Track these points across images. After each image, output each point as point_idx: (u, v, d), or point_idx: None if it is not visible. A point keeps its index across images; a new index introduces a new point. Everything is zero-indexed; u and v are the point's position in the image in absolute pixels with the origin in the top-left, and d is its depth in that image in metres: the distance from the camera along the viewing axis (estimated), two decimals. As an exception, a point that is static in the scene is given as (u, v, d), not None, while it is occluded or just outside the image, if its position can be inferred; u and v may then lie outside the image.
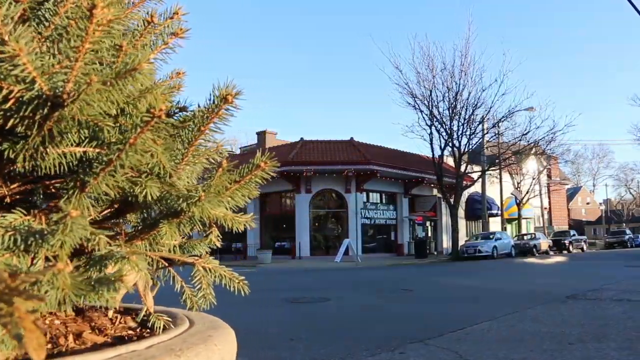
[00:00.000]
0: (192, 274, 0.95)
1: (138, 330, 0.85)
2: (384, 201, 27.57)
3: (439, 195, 27.87)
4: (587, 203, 77.81)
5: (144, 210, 0.85)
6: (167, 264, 0.91)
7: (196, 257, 0.93)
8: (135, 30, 0.84)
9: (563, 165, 48.42)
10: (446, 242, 30.38)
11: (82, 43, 0.58)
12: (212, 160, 0.87)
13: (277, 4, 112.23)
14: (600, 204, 68.91)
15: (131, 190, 0.71)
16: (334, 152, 24.81)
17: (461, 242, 26.16)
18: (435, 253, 29.22)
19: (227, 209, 0.84)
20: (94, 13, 0.55)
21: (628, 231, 44.44)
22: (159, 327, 0.84)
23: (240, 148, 46.43)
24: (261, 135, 35.52)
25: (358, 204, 20.09)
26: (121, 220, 0.89)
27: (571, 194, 69.75)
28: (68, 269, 0.52)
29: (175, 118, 0.83)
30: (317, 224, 25.45)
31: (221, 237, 1.00)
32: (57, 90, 0.57)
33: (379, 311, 6.02)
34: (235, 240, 28.24)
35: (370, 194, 26.56)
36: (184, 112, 0.85)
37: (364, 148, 25.37)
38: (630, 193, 75.09)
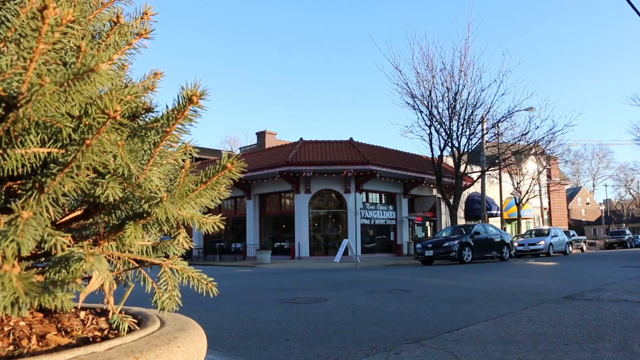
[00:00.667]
0: (158, 275, 0.95)
1: (106, 331, 0.85)
2: (383, 201, 27.57)
3: (439, 195, 27.88)
4: (587, 203, 77.82)
5: (112, 212, 0.84)
6: (137, 265, 0.90)
7: (164, 259, 0.93)
8: (101, 31, 0.84)
9: (563, 165, 48.46)
10: (446, 243, 30.36)
11: (36, 44, 0.57)
12: (181, 162, 0.87)
13: (276, 5, 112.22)
14: (600, 204, 68.91)
15: (92, 192, 0.71)
16: (334, 152, 24.81)
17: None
18: (435, 253, 29.20)
19: (195, 210, 0.84)
20: (45, 14, 0.55)
21: (628, 231, 44.48)
22: (124, 329, 0.83)
23: (240, 148, 46.46)
24: (261, 135, 35.56)
25: (357, 204, 20.05)
26: (90, 222, 0.88)
27: (571, 194, 69.76)
28: (15, 270, 0.52)
29: (150, 118, 0.83)
30: (316, 224, 25.46)
31: (188, 238, 0.99)
32: (11, 92, 0.56)
33: (375, 311, 6.01)
34: (235, 240, 28.27)
35: (370, 194, 26.57)
36: (151, 113, 0.85)
37: (363, 148, 25.38)
38: (630, 193, 75.13)
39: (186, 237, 0.97)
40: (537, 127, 32.26)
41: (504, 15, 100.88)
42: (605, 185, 72.03)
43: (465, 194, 30.59)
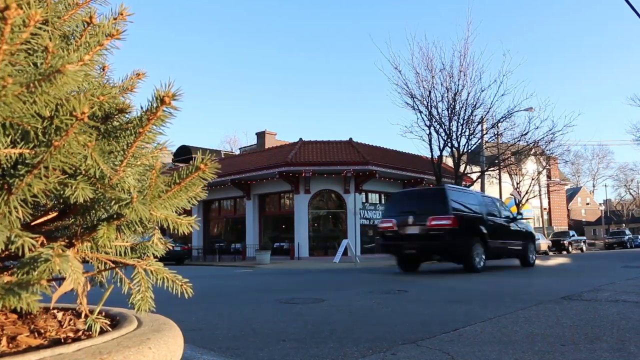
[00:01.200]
0: (132, 276, 0.94)
1: (81, 333, 0.85)
2: (383, 202, 27.57)
3: (438, 195, 27.83)
4: (587, 203, 77.79)
5: (86, 213, 0.84)
6: (113, 266, 0.90)
7: (138, 260, 0.92)
8: (75, 32, 0.83)
9: (563, 165, 48.44)
10: (445, 243, 30.32)
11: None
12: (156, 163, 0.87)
13: (276, 5, 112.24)
14: (600, 204, 68.90)
15: (62, 193, 0.71)
16: (333, 152, 24.82)
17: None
18: (435, 253, 29.18)
19: (170, 211, 0.83)
20: (7, 14, 0.54)
21: (628, 232, 44.49)
22: (96, 330, 0.83)
23: (239, 148, 46.48)
24: (261, 135, 35.59)
25: (357, 205, 20.05)
26: (70, 223, 0.88)
27: (571, 195, 69.73)
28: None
29: (125, 119, 0.83)
30: (316, 225, 25.46)
31: (163, 239, 0.99)
32: (-25, 93, 0.56)
33: (373, 312, 6.01)
34: (234, 240, 28.28)
35: (369, 194, 26.57)
36: (125, 114, 0.84)
37: (362, 148, 25.38)
38: (630, 193, 75.13)
39: (161, 238, 0.97)
40: (537, 127, 32.29)
41: (503, 16, 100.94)
42: (605, 186, 72.07)
43: (465, 194, 30.57)
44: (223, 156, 41.35)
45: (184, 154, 43.62)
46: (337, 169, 23.58)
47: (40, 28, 0.60)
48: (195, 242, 29.82)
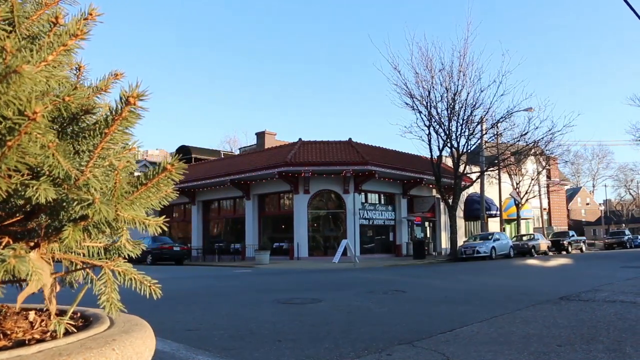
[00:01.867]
0: (99, 277, 0.94)
1: (49, 334, 0.84)
2: (382, 202, 27.55)
3: (438, 195, 27.84)
4: (587, 204, 77.79)
5: (53, 214, 0.83)
6: (84, 267, 0.89)
7: (106, 261, 0.92)
8: (41, 32, 0.82)
9: (562, 165, 48.42)
10: (445, 243, 30.36)
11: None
12: (126, 164, 0.85)
13: (275, 6, 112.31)
14: (600, 204, 68.88)
15: (22, 193, 0.70)
16: (333, 152, 24.80)
17: (460, 243, 26.12)
18: (434, 254, 29.18)
19: (139, 211, 0.82)
20: None
21: (627, 232, 44.43)
22: (61, 331, 0.82)
23: (239, 148, 46.46)
24: (260, 135, 35.55)
25: (356, 205, 20.02)
26: (32, 224, 0.87)
27: (571, 195, 69.72)
28: None
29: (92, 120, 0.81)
30: (315, 225, 25.44)
31: (132, 240, 0.98)
32: None
33: (370, 312, 6.00)
34: (234, 241, 28.27)
35: (369, 194, 26.55)
36: (92, 115, 0.83)
37: (362, 149, 25.36)
38: (630, 194, 75.14)
39: (129, 238, 0.96)
40: (537, 127, 32.44)
41: (503, 16, 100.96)
42: (605, 186, 72.05)
43: (464, 194, 30.56)
44: (223, 156, 41.32)
45: (184, 154, 43.66)
46: (336, 169, 23.56)
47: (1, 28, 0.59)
48: (195, 242, 29.81)
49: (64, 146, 0.72)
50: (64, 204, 0.75)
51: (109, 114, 0.77)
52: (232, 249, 27.90)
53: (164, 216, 0.91)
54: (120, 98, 0.75)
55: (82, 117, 0.81)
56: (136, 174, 0.92)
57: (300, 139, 26.04)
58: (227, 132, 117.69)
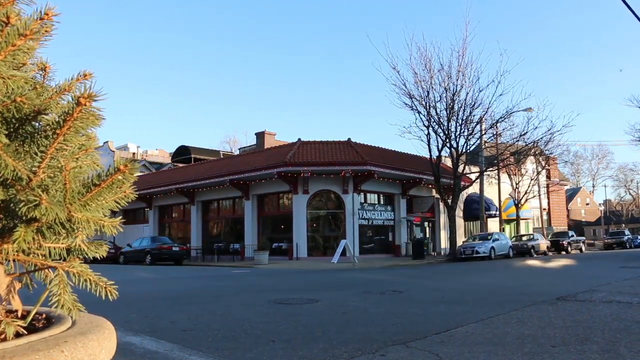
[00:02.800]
0: (52, 278, 0.93)
1: (3, 336, 0.83)
2: (381, 202, 27.54)
3: (437, 196, 27.82)
4: (587, 204, 77.72)
5: (8, 215, 0.82)
6: (42, 267, 0.88)
7: (60, 262, 0.91)
8: None
9: (562, 166, 48.39)
10: (444, 243, 30.34)
11: None
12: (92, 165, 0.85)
13: (275, 6, 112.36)
14: (600, 204, 68.85)
15: None
16: (332, 152, 24.78)
17: (459, 243, 26.10)
18: (434, 254, 29.16)
19: (95, 212, 0.82)
20: None
21: (627, 232, 44.40)
22: (9, 333, 0.82)
23: (239, 149, 46.45)
24: (260, 135, 35.54)
25: (355, 205, 20.00)
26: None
27: (570, 195, 69.66)
28: None
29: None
30: (314, 225, 25.41)
31: (87, 241, 0.98)
32: None
33: (366, 312, 5.99)
34: (233, 241, 28.25)
35: (368, 194, 26.53)
36: (45, 116, 0.82)
37: (361, 149, 25.34)
38: (630, 194, 75.10)
39: (84, 239, 0.95)
40: (536, 127, 32.32)
41: (502, 16, 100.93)
42: (605, 186, 72.07)
43: (464, 195, 30.54)
44: (222, 156, 41.30)
45: (184, 154, 43.61)
46: (335, 169, 23.54)
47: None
48: (194, 242, 29.80)
49: (13, 147, 0.71)
50: (12, 205, 0.74)
51: (60, 115, 0.76)
52: (231, 249, 27.88)
53: (120, 217, 0.90)
54: (72, 99, 0.75)
55: (35, 118, 0.81)
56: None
57: (299, 139, 26.02)
58: (227, 132, 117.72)
